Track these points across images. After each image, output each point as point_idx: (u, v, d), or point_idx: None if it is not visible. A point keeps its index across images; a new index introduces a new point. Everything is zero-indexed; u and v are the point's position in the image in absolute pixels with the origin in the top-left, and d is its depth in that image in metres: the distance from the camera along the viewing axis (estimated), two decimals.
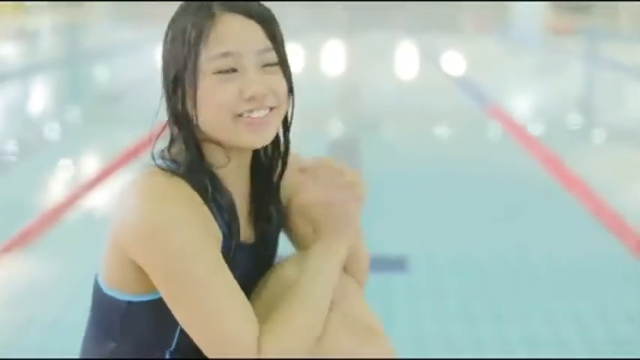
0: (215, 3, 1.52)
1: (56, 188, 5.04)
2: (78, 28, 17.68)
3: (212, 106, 1.52)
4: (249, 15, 1.53)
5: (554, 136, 6.54)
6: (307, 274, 1.57)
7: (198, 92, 1.52)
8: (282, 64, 1.57)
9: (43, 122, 7.38)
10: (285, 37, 1.60)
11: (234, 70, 1.52)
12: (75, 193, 4.67)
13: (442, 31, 17.37)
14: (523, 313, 3.18)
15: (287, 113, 1.63)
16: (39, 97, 9.24)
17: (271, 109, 1.55)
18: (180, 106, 1.55)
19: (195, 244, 1.46)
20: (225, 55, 1.50)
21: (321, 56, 12.27)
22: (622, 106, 8.99)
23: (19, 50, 13.64)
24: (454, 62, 12.09)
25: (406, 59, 12.77)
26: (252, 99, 1.51)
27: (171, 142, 1.58)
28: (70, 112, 7.87)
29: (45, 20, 18.79)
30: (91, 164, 5.73)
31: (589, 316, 3.15)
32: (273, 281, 1.62)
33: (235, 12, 1.52)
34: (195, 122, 1.54)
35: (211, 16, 1.51)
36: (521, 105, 8.78)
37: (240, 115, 1.52)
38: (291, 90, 1.60)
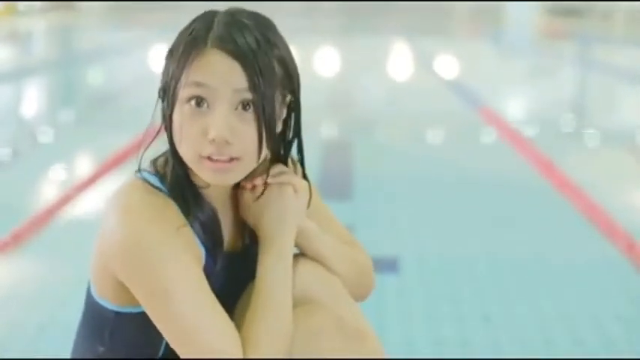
0: (212, 34, 1.48)
1: (48, 190, 5.03)
2: (70, 32, 17.67)
3: (180, 138, 1.51)
4: (235, 55, 1.47)
5: (547, 139, 6.55)
6: (260, 278, 1.56)
7: (174, 115, 1.51)
8: (257, 108, 1.48)
9: (35, 124, 7.37)
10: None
11: (207, 106, 1.48)
12: (67, 195, 4.67)
13: (435, 34, 17.40)
14: (513, 314, 3.19)
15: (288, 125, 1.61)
16: (31, 99, 9.23)
17: (232, 159, 1.49)
18: (164, 119, 1.55)
19: (174, 263, 1.46)
20: (199, 84, 1.47)
21: (314, 60, 12.28)
22: (615, 110, 9.01)
23: (10, 53, 13.63)
24: (447, 66, 12.11)
25: (399, 63, 12.78)
26: (213, 142, 1.47)
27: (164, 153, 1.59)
28: (61, 115, 7.86)
29: (37, 23, 18.77)
30: (82, 167, 5.72)
31: (580, 317, 3.15)
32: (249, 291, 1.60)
33: (223, 50, 1.47)
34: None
35: (203, 44, 1.48)
36: (514, 108, 8.80)
37: (203, 157, 1.49)
38: (261, 139, 1.49)
